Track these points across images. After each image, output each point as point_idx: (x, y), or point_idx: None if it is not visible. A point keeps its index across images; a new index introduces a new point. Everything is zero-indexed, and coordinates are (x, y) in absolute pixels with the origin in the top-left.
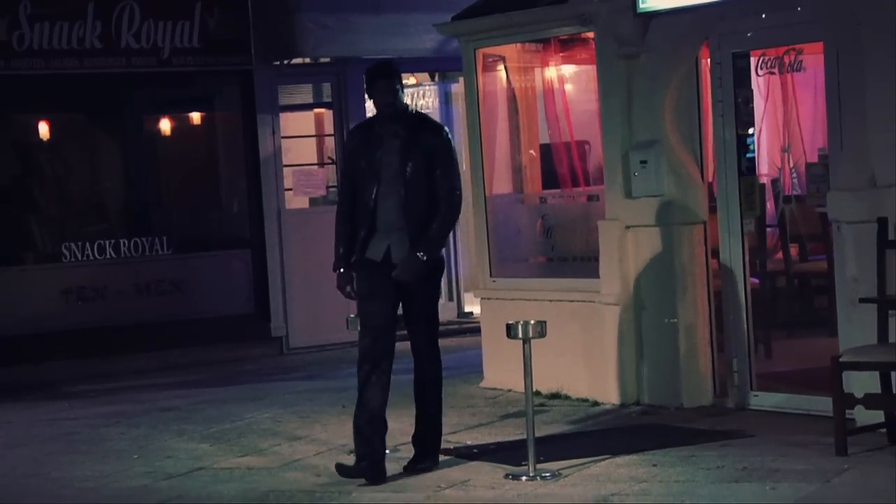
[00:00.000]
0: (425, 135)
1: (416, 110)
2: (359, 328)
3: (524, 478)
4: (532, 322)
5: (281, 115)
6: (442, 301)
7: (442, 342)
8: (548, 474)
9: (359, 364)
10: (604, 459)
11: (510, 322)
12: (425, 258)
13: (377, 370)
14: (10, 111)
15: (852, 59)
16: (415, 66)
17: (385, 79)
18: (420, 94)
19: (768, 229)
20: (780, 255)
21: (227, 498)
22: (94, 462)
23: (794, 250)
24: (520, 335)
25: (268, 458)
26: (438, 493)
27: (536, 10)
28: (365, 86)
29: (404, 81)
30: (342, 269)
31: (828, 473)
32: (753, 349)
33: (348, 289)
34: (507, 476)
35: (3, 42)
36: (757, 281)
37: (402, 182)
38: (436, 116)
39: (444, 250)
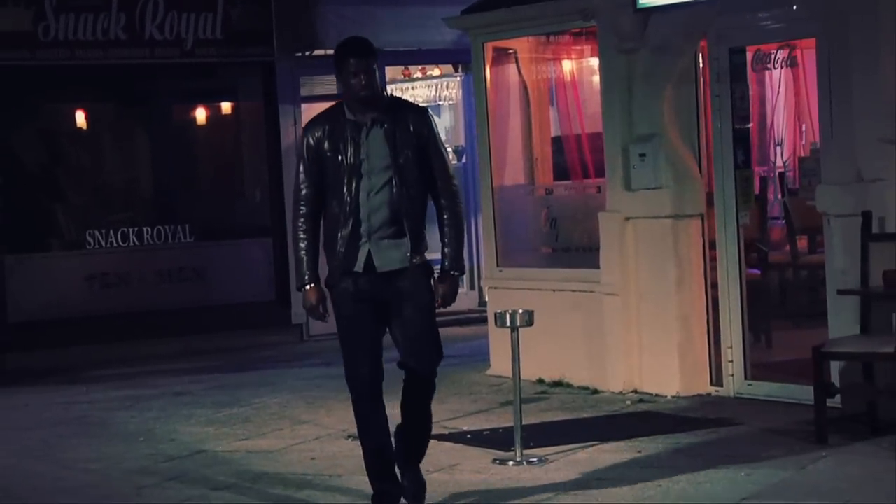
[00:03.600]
0: (412, 120)
1: (391, 94)
2: (343, 357)
3: (511, 463)
4: (520, 311)
5: (303, 105)
6: (463, 290)
7: (460, 330)
8: (534, 459)
9: (353, 401)
10: (592, 445)
11: (497, 311)
12: (458, 274)
13: (375, 405)
14: (36, 101)
15: (841, 56)
16: (437, 57)
17: (358, 57)
18: (444, 86)
19: (779, 222)
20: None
21: (221, 480)
22: (101, 444)
23: (803, 243)
24: (507, 324)
25: (269, 441)
26: (425, 475)
27: (541, 5)
28: (334, 66)
29: (428, 73)
30: (312, 285)
31: (804, 461)
32: (752, 339)
33: (321, 308)
34: (494, 461)
35: (29, 33)
36: (759, 272)
37: (393, 175)
38: (460, 108)
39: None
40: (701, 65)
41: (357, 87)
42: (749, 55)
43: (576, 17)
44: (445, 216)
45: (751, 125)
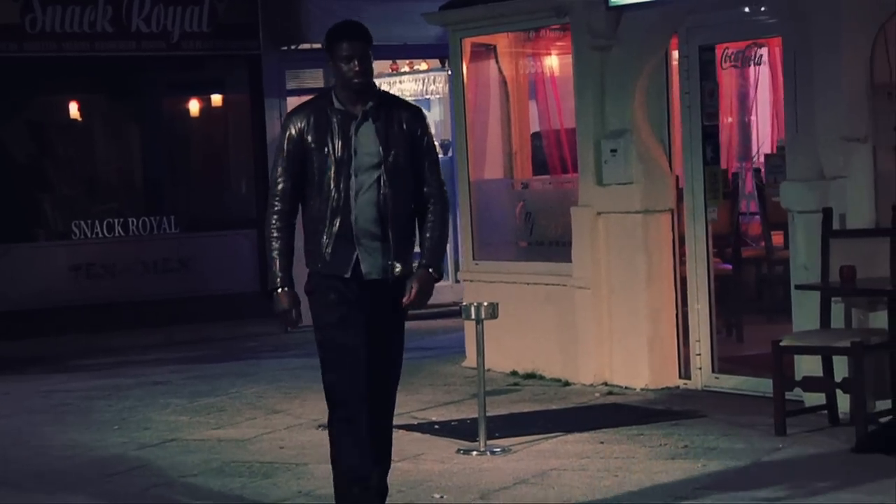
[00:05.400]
0: (406, 118)
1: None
2: (322, 369)
3: (475, 452)
4: (484, 304)
5: (288, 98)
6: (447, 283)
7: (442, 323)
8: (498, 449)
9: (331, 418)
10: (556, 436)
11: (463, 304)
12: (435, 275)
13: (356, 423)
14: (24, 93)
15: (805, 56)
16: (423, 52)
17: (352, 40)
18: (431, 80)
19: (755, 217)
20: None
21: (188, 468)
22: (76, 432)
23: (779, 238)
24: (472, 317)
25: (240, 430)
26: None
27: (516, 2)
28: (325, 51)
29: (416, 67)
30: (284, 288)
31: (761, 452)
32: (723, 333)
33: (293, 314)
34: (458, 451)
35: (16, 25)
36: (730, 267)
37: (384, 175)
38: (447, 102)
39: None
40: (672, 62)
41: (350, 73)
42: (718, 53)
43: (550, 14)
44: (431, 219)
45: (719, 122)
